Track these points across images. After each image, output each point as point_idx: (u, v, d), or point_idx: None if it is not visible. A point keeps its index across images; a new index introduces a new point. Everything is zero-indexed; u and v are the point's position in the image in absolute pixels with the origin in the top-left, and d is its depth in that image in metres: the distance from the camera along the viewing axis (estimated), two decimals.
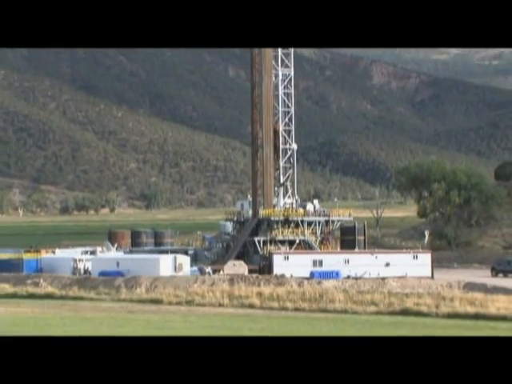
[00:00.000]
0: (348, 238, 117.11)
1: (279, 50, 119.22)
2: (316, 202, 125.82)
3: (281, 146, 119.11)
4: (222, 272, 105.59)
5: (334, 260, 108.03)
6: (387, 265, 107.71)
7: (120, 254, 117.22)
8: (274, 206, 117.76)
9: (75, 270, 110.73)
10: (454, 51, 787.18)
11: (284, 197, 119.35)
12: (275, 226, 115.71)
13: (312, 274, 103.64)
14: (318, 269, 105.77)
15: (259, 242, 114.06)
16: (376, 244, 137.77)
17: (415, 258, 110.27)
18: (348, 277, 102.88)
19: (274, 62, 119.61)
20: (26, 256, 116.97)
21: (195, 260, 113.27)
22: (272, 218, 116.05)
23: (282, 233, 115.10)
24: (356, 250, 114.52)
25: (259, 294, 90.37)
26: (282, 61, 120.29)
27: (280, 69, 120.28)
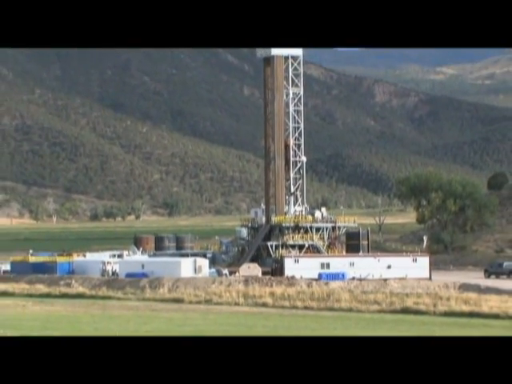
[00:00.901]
0: (353, 243, 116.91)
1: (290, 70, 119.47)
2: (323, 209, 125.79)
3: (291, 159, 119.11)
4: (237, 274, 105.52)
5: (340, 263, 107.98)
6: (389, 267, 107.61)
7: (145, 257, 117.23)
8: (285, 214, 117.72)
9: (104, 271, 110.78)
10: (449, 72, 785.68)
11: (294, 205, 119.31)
12: (286, 232, 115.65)
13: (320, 276, 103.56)
14: (325, 271, 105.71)
15: (271, 246, 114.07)
16: (378, 248, 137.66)
17: (414, 260, 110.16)
18: (353, 278, 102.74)
19: (285, 82, 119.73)
20: (60, 259, 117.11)
21: (213, 263, 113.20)
22: (283, 225, 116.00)
23: (293, 238, 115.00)
24: (360, 253, 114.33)
25: (272, 294, 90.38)
26: (293, 81, 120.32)
27: (291, 88, 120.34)
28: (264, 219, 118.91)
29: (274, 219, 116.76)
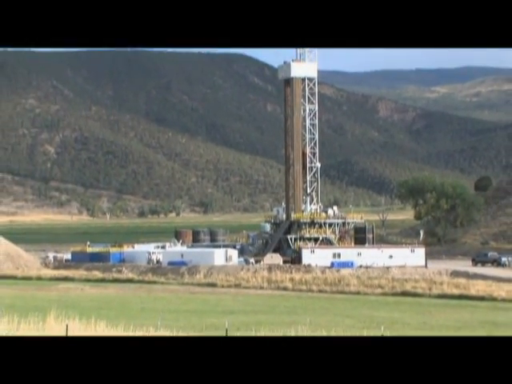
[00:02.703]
0: (360, 236, 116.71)
1: (307, 90, 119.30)
2: (335, 208, 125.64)
3: (308, 165, 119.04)
4: (262, 262, 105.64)
5: (349, 253, 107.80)
6: (390, 257, 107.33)
7: (184, 248, 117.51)
8: (303, 211, 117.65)
9: (150, 260, 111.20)
10: (442, 91, 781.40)
11: (310, 204, 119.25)
12: (303, 227, 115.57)
13: (332, 264, 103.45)
14: (336, 260, 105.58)
15: (291, 239, 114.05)
16: (382, 241, 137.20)
17: (412, 251, 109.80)
18: (360, 266, 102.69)
19: (302, 100, 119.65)
20: (112, 250, 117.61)
21: (241, 253, 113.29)
22: (301, 221, 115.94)
23: (309, 232, 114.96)
24: (366, 245, 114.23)
25: (291, 280, 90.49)
26: (309, 98, 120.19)
27: (307, 105, 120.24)
28: (284, 216, 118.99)
29: (293, 216, 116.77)
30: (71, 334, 23.80)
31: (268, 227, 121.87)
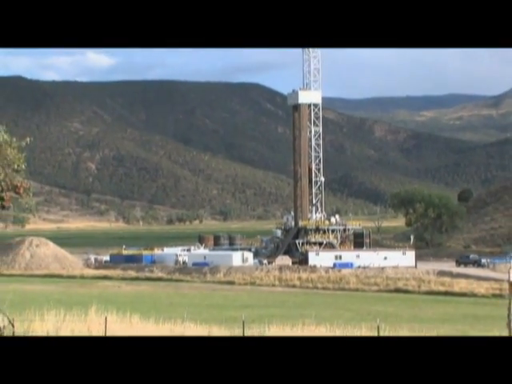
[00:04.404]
0: (358, 241, 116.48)
1: (312, 114, 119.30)
2: (337, 216, 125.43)
3: (313, 179, 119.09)
4: (274, 263, 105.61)
5: (349, 255, 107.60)
6: (385, 258, 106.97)
7: (206, 251, 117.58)
8: (309, 219, 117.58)
9: (177, 261, 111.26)
10: (429, 115, 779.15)
11: (315, 213, 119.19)
12: (309, 233, 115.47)
13: (334, 265, 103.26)
14: (338, 261, 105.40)
15: (299, 243, 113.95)
16: (377, 244, 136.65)
17: (404, 254, 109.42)
18: (359, 266, 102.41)
19: (308, 123, 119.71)
20: (145, 252, 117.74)
21: (256, 255, 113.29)
22: (307, 227, 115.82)
23: (314, 237, 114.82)
24: (364, 248, 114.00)
25: (299, 278, 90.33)
26: (314, 122, 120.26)
27: (312, 127, 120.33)
28: (293, 223, 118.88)
29: (301, 223, 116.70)
30: (109, 325, 23.85)
31: (279, 233, 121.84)
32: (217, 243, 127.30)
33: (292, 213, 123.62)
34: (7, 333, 20.32)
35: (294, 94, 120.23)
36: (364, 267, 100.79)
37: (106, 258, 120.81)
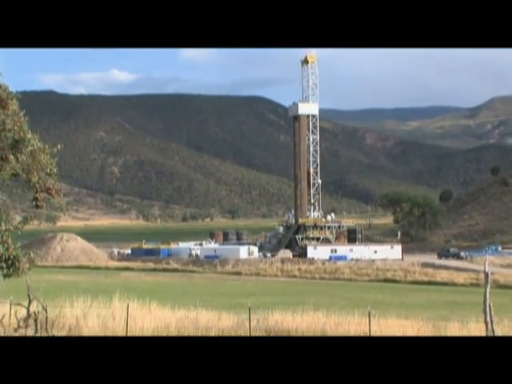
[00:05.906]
0: (352, 236, 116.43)
1: (311, 124, 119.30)
2: (332, 214, 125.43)
3: (311, 181, 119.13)
4: (276, 256, 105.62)
5: (343, 249, 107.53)
6: (375, 252, 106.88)
7: (216, 245, 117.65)
8: (308, 217, 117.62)
9: (190, 254, 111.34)
10: (414, 124, 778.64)
11: (313, 211, 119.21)
12: (308, 229, 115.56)
13: (330, 258, 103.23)
14: (333, 254, 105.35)
15: (299, 238, 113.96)
16: (368, 239, 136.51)
17: (392, 248, 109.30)
18: (352, 259, 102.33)
19: (307, 131, 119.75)
20: (162, 246, 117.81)
21: (261, 249, 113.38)
22: (306, 224, 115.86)
23: (312, 233, 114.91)
24: (356, 243, 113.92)
25: (299, 269, 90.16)
26: (312, 130, 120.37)
27: (311, 135, 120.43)
28: (293, 221, 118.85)
29: (300, 221, 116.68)
30: (131, 311, 23.90)
31: (281, 229, 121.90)
32: (226, 238, 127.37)
33: (293, 211, 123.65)
34: (41, 317, 20.66)
35: (295, 106, 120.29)
36: (356, 260, 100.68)
37: (128, 251, 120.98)
